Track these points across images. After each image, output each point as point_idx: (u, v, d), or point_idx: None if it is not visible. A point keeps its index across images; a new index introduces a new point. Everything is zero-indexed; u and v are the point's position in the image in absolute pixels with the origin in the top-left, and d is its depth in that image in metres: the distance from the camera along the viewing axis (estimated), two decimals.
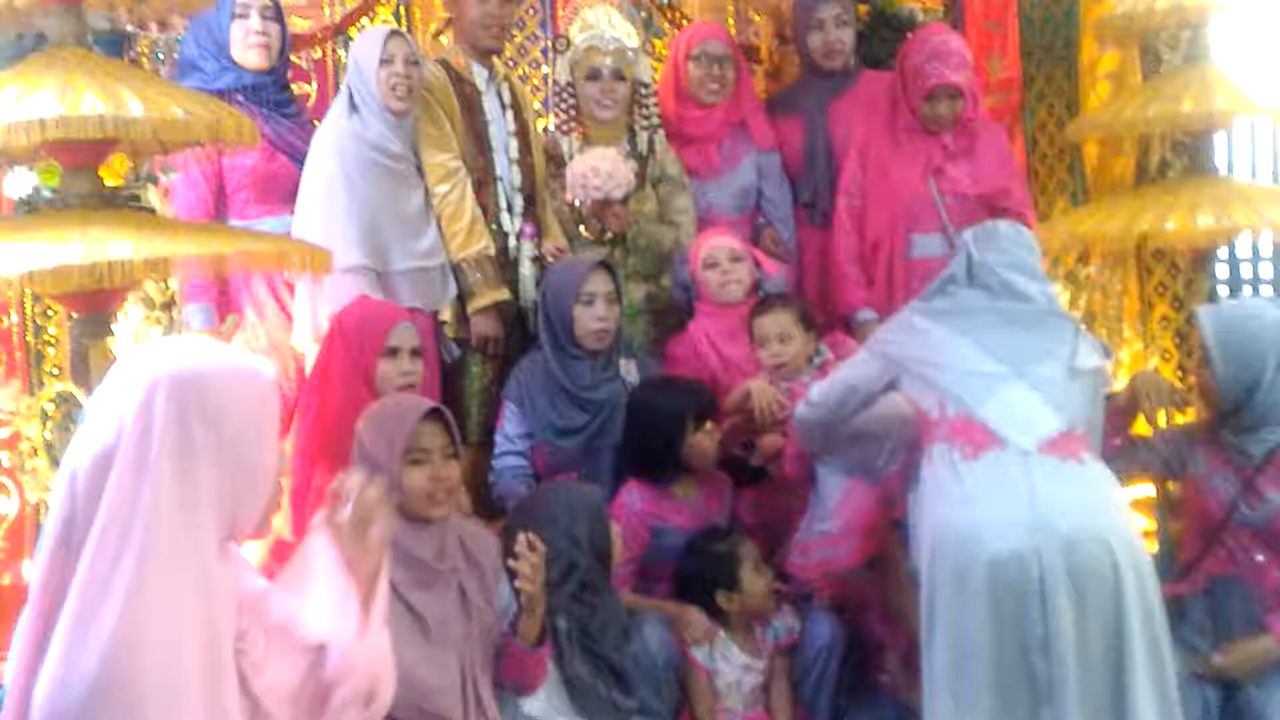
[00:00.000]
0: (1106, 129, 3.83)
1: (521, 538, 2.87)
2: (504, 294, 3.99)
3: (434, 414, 2.86)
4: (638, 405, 3.63)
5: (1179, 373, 4.33)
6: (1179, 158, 4.13)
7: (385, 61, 3.77)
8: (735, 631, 3.36)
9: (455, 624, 2.83)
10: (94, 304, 2.93)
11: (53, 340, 4.36)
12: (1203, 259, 3.92)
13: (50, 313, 4.28)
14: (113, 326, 3.13)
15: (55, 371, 4.34)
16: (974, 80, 4.18)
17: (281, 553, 3.09)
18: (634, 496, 3.51)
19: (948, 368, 2.87)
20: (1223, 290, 4.67)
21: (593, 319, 3.70)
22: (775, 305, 3.78)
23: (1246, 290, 4.92)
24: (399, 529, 2.64)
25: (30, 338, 4.34)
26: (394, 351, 3.41)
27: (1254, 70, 3.93)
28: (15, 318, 4.28)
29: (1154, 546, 3.41)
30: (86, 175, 2.94)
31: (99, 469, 1.70)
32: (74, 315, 3.72)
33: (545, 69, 4.96)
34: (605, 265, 3.81)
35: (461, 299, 3.98)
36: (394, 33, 3.88)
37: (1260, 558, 3.15)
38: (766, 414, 3.60)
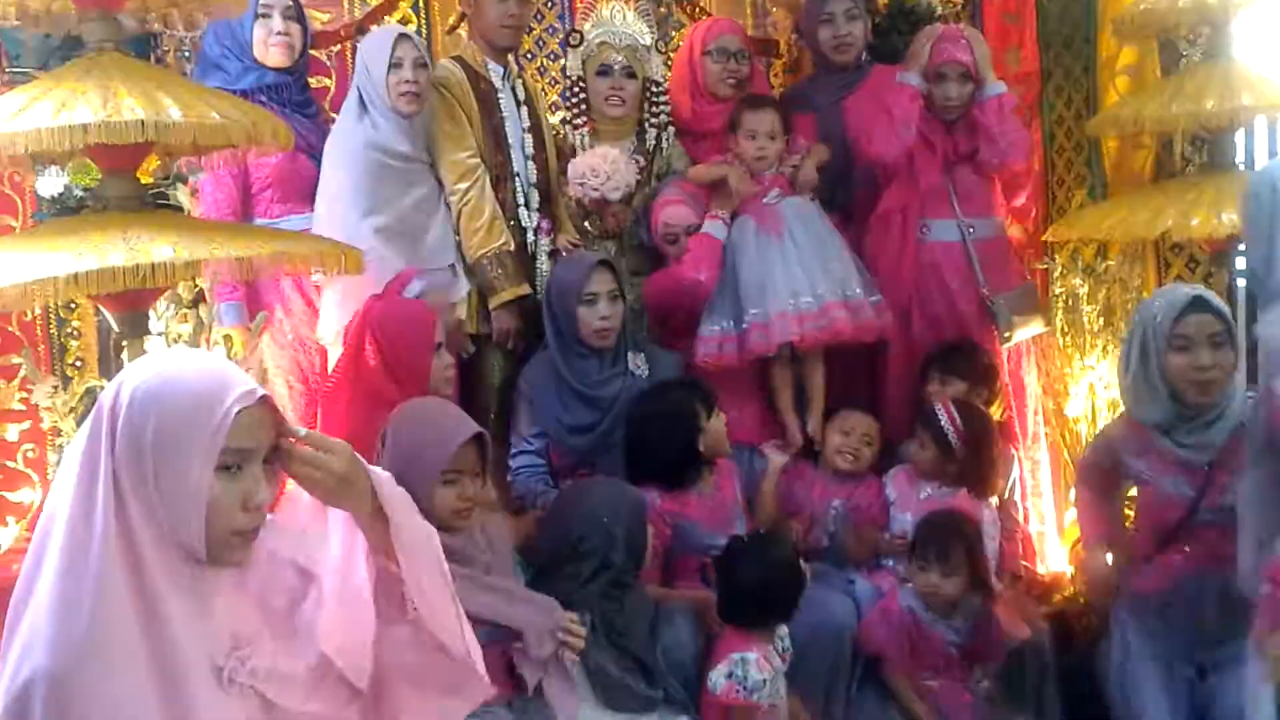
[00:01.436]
0: (1129, 125, 3.83)
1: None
2: (525, 289, 4.03)
3: (479, 436, 2.90)
4: (645, 419, 3.64)
5: None
6: (1199, 153, 4.15)
7: (394, 65, 3.80)
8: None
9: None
10: (132, 302, 2.96)
11: (76, 333, 4.40)
12: (1222, 253, 3.94)
13: (73, 305, 4.30)
14: (149, 324, 3.15)
15: (78, 364, 4.38)
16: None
17: None
18: (652, 494, 3.53)
19: None
20: (1240, 283, 4.70)
21: (595, 318, 3.74)
22: (768, 104, 4.12)
23: None
24: None
25: (54, 330, 4.38)
26: (439, 347, 3.46)
27: (1274, 65, 3.93)
28: (38, 310, 4.31)
29: None
30: (125, 178, 2.97)
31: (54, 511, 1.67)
32: (100, 310, 3.78)
33: (564, 62, 4.96)
34: (606, 263, 3.84)
35: (482, 294, 4.01)
36: (402, 35, 3.89)
37: (1228, 546, 3.11)
38: (739, 193, 3.90)
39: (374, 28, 4.33)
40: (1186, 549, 3.29)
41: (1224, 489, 3.15)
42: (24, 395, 4.28)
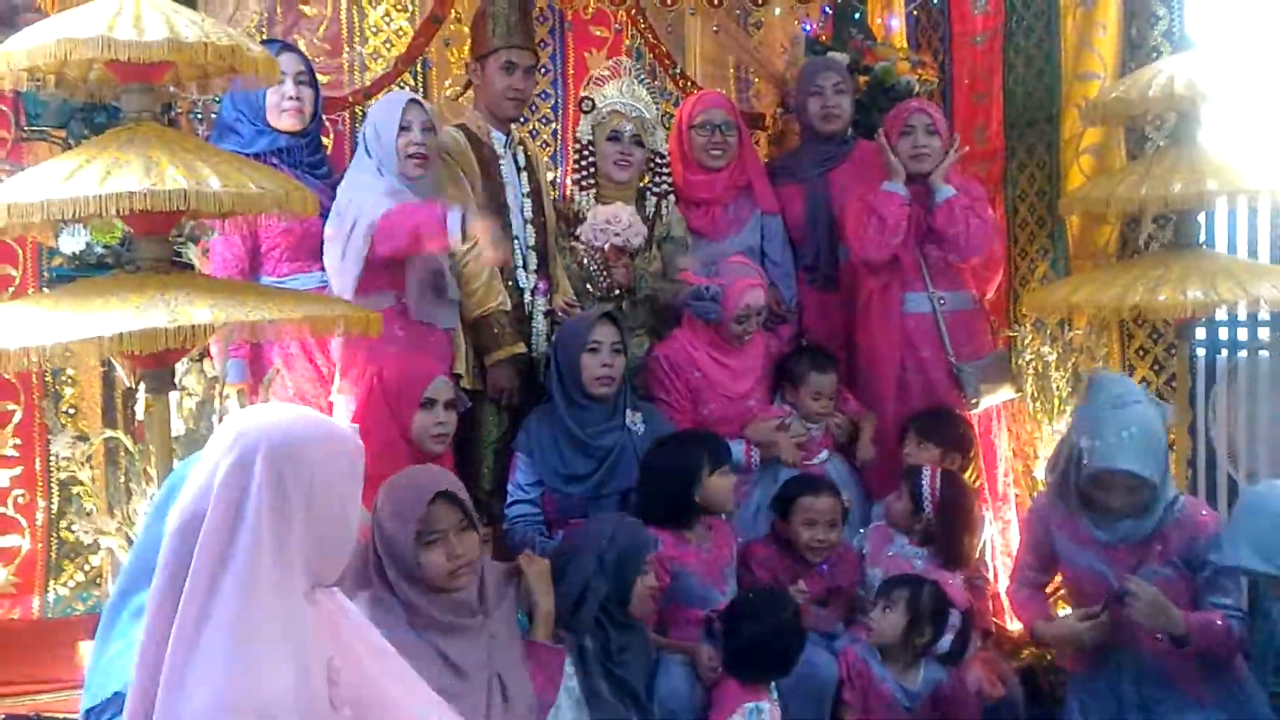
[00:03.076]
0: (1100, 205, 4.03)
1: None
2: (521, 347, 4.18)
3: (444, 493, 2.96)
4: (655, 458, 3.80)
5: None
6: (1162, 230, 4.38)
7: (403, 128, 3.93)
8: None
9: (483, 661, 2.99)
10: (161, 360, 3.06)
11: (70, 381, 4.45)
12: (1184, 326, 4.16)
13: (67, 354, 4.35)
14: (174, 379, 3.25)
15: (71, 411, 4.43)
16: (946, 145, 4.42)
17: None
18: (662, 537, 3.67)
19: None
20: (1200, 352, 4.95)
21: (598, 365, 3.90)
22: (828, 364, 4.29)
23: (1223, 353, 5.22)
24: (424, 601, 2.88)
25: (49, 377, 4.42)
26: (430, 403, 3.62)
27: (1235, 151, 4.15)
28: (34, 357, 4.36)
29: None
30: (158, 240, 3.08)
31: (197, 522, 1.85)
32: (109, 364, 3.88)
33: (555, 125, 5.16)
34: (611, 317, 4.02)
35: (478, 351, 4.15)
36: (412, 100, 4.04)
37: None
38: (792, 453, 4.03)
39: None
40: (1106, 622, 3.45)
41: (1135, 570, 3.37)
42: (16, 442, 4.35)
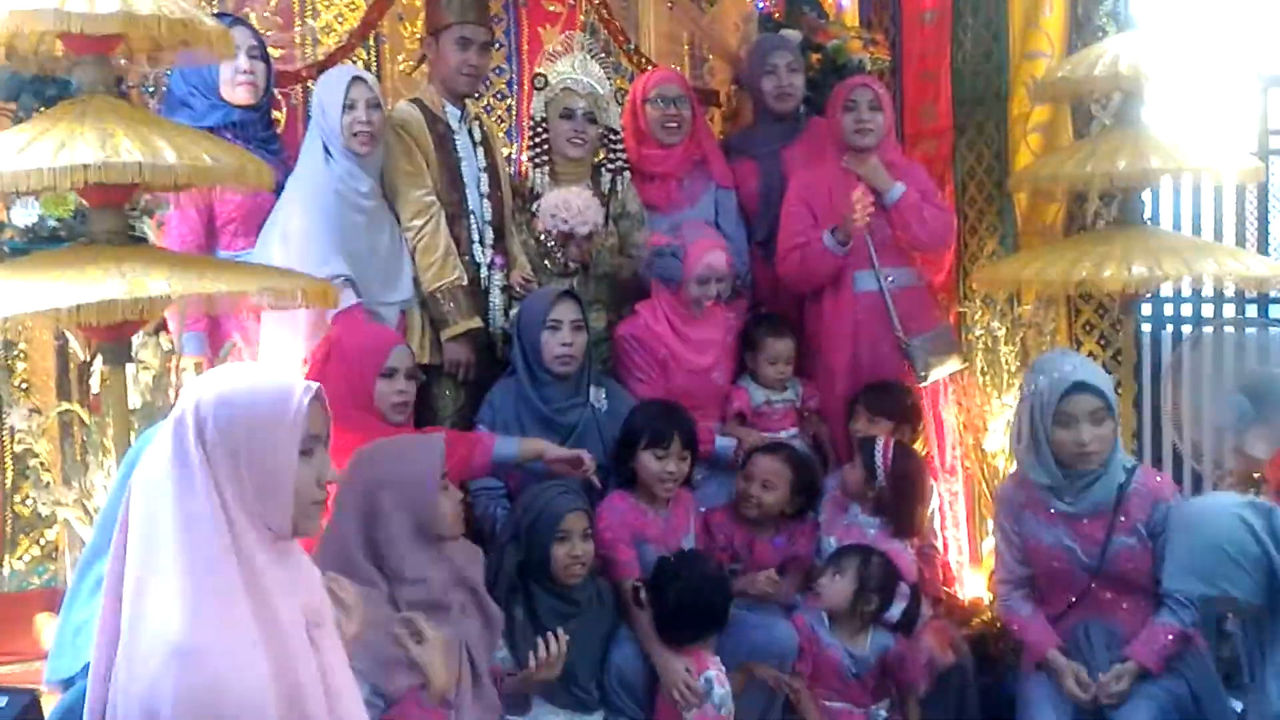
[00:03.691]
0: (1047, 182, 4.12)
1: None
2: (477, 322, 4.19)
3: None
4: (623, 423, 3.89)
5: None
6: (1107, 208, 4.45)
7: (348, 106, 3.95)
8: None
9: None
10: (118, 333, 3.06)
11: (22, 355, 4.41)
12: (1129, 302, 4.23)
13: (21, 328, 4.34)
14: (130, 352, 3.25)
15: (24, 386, 4.40)
16: (890, 122, 4.49)
17: None
18: (617, 506, 3.75)
19: None
20: (1145, 328, 5.04)
21: (558, 344, 3.92)
22: (785, 330, 4.37)
23: (1168, 328, 5.33)
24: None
25: (0, 351, 4.39)
26: (391, 372, 3.65)
27: (1179, 128, 4.23)
28: None
29: None
30: (113, 213, 3.08)
31: (141, 486, 1.90)
32: (64, 337, 3.86)
33: (510, 101, 5.16)
34: (571, 295, 4.05)
35: (435, 326, 4.17)
36: (356, 78, 4.04)
37: (1109, 596, 3.51)
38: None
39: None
40: (1073, 601, 3.56)
41: (1104, 542, 3.46)
42: None
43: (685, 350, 4.28)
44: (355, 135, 3.95)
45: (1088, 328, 4.66)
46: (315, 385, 1.97)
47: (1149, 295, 4.66)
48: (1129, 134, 4.02)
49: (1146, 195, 4.36)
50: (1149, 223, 4.33)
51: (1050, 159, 4.26)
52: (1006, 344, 4.59)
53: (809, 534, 4.07)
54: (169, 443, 1.89)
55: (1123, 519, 3.46)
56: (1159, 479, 3.63)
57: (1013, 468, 4.05)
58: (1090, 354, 4.55)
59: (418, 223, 4.14)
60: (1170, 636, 3.41)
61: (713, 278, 4.26)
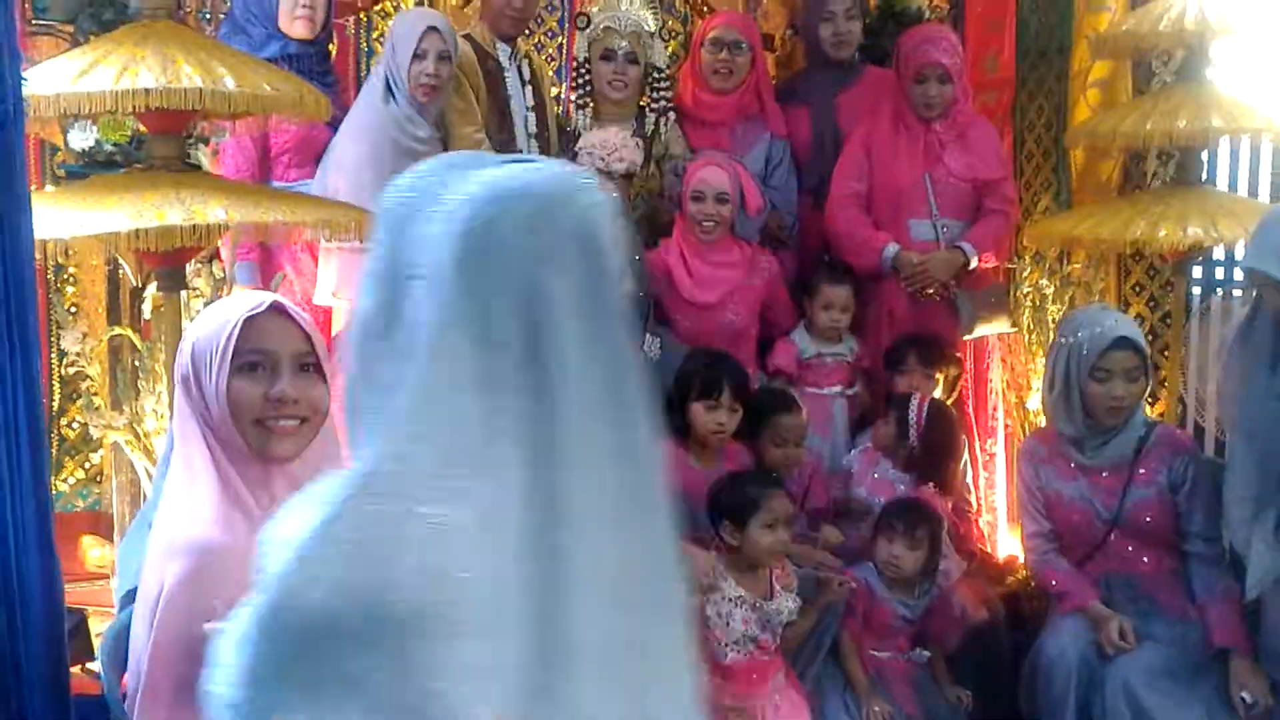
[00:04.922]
0: (1105, 139, 4.06)
1: None
2: None
3: None
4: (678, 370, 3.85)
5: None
6: (1164, 167, 4.40)
7: (418, 55, 3.93)
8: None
9: None
10: (174, 259, 3.09)
11: (72, 279, 4.47)
12: (1181, 263, 4.20)
13: (70, 251, 4.38)
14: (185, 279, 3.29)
15: (73, 310, 4.46)
16: (964, 71, 4.38)
17: None
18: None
19: None
20: (1195, 291, 4.99)
21: None
22: (843, 277, 4.24)
23: (1219, 292, 5.26)
24: None
25: (50, 275, 4.44)
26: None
27: (1242, 87, 4.17)
28: (37, 254, 4.38)
29: None
30: (172, 140, 3.10)
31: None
32: (117, 262, 3.90)
33: (560, 40, 5.13)
34: None
35: None
36: (431, 28, 3.99)
37: (1130, 549, 3.51)
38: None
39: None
40: (1092, 554, 3.57)
41: (1122, 495, 3.47)
42: None
43: (689, 283, 4.18)
44: (420, 85, 3.94)
45: (1137, 289, 4.63)
46: (269, 301, 1.96)
47: (1200, 258, 4.61)
48: (1190, 91, 3.98)
49: (1205, 155, 4.28)
50: (1206, 183, 4.26)
51: (1109, 115, 4.21)
52: (1054, 302, 4.55)
53: (822, 485, 4.05)
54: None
55: (1141, 472, 3.47)
56: (1179, 434, 3.63)
57: None
58: (1139, 316, 4.53)
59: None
60: (1235, 600, 3.35)
61: (709, 194, 4.12)
